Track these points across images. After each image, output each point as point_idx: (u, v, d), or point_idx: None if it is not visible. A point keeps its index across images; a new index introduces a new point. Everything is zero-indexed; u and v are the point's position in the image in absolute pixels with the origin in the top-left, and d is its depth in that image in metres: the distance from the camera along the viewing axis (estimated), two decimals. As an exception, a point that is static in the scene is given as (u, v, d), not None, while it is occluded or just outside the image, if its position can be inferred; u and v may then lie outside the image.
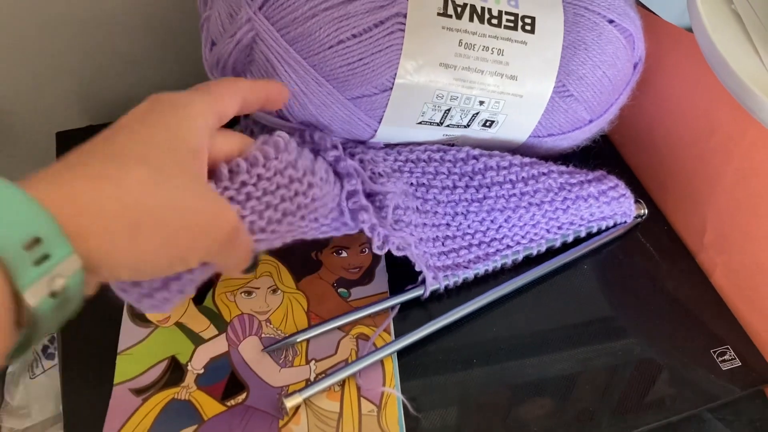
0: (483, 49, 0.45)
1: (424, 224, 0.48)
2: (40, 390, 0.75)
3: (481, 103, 0.46)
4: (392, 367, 0.44)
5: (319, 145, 0.44)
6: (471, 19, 0.44)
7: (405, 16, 0.42)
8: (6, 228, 0.23)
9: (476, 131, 0.49)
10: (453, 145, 0.52)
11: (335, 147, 0.44)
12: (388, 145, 0.51)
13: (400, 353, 0.44)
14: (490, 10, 0.45)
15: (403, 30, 0.42)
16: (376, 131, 0.47)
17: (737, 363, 0.47)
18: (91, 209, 0.26)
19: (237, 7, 0.42)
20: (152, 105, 0.31)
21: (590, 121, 0.51)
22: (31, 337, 0.25)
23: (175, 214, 0.29)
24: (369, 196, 0.45)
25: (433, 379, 0.44)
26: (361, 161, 0.47)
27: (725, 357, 0.47)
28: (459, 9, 0.44)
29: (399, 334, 0.45)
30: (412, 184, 0.49)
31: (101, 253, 0.26)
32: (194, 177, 0.31)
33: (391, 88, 0.44)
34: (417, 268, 0.46)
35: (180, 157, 0.30)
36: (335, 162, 0.43)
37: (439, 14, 0.43)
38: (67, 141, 0.57)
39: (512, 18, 0.45)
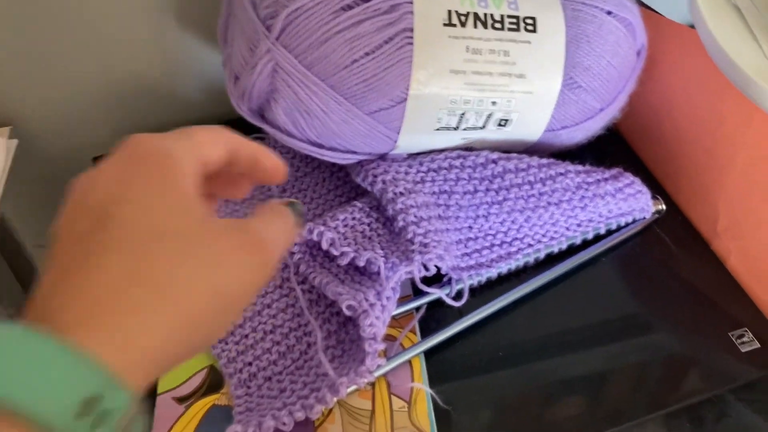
0: (489, 53, 0.47)
1: (447, 229, 0.50)
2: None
3: (494, 103, 0.48)
4: (420, 366, 0.45)
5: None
6: (475, 26, 0.46)
7: (412, 30, 0.45)
8: (51, 400, 0.19)
9: (492, 131, 0.51)
10: (472, 148, 0.53)
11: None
12: (410, 156, 0.52)
13: (427, 352, 0.46)
14: (492, 15, 0.47)
15: (412, 43, 0.45)
16: (396, 142, 0.49)
17: (756, 345, 0.47)
18: (145, 345, 0.22)
19: (256, 41, 0.45)
20: (132, 158, 0.26)
21: (601, 110, 0.52)
22: None
23: (221, 287, 0.25)
24: (392, 220, 0.48)
25: (460, 376, 0.45)
26: (384, 182, 0.48)
27: (744, 339, 0.48)
28: (463, 18, 0.46)
29: (424, 333, 0.46)
30: (434, 192, 0.51)
31: (155, 375, 0.24)
32: (214, 234, 0.26)
33: (406, 99, 0.46)
34: (443, 271, 0.47)
35: (194, 216, 0.26)
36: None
37: (444, 25, 0.45)
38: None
39: (514, 20, 0.47)
